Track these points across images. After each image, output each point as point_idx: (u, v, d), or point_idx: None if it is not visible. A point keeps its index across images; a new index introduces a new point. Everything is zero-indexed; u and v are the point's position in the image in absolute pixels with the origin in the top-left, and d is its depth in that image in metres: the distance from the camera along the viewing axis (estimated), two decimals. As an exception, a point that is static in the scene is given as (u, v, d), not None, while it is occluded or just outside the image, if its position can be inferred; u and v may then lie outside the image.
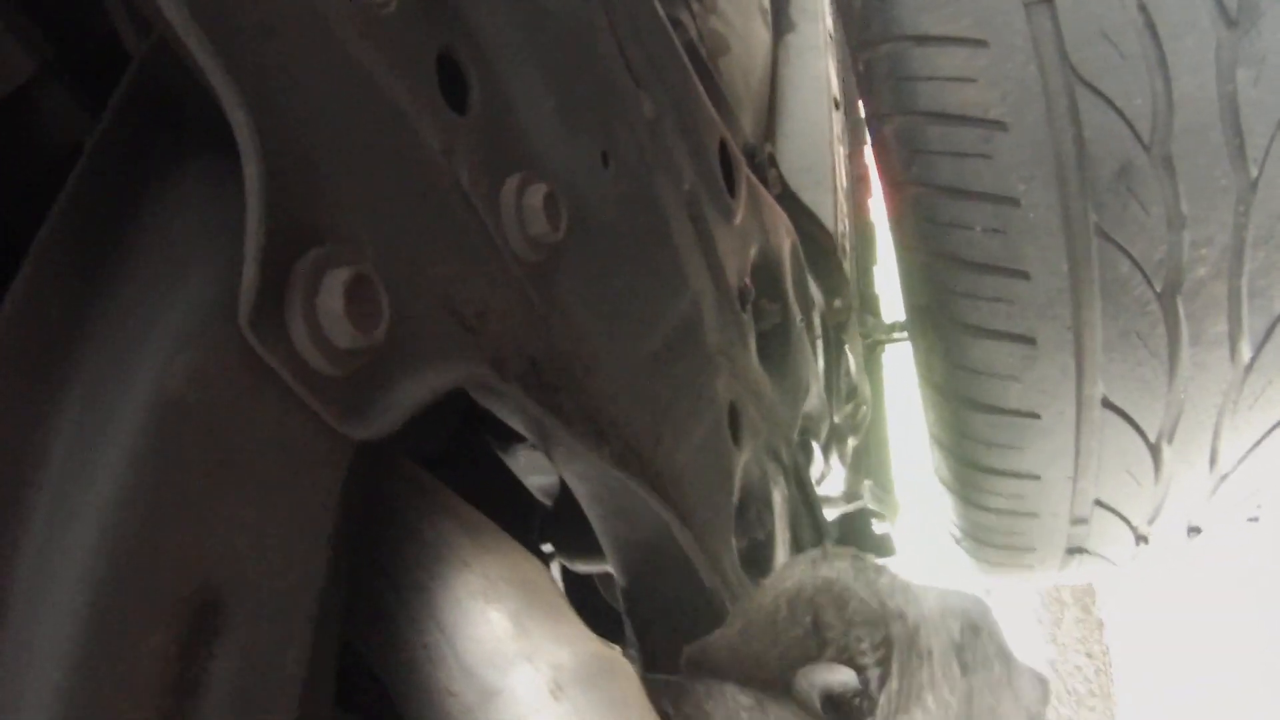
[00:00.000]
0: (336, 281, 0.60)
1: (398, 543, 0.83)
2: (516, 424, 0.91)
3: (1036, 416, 1.85)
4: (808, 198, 2.37)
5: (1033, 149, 1.57)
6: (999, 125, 1.57)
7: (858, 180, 3.19)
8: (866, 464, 2.97)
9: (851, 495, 2.91)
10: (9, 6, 0.73)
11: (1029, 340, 1.74)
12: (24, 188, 0.75)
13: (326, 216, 0.63)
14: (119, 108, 0.61)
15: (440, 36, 0.81)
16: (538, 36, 0.95)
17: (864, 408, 2.72)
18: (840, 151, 2.79)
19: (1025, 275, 1.67)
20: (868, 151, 3.18)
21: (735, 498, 1.32)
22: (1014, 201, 1.61)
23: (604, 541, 1.17)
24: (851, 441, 2.68)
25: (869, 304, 3.20)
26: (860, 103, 2.57)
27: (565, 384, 0.90)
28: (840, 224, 2.59)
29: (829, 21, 3.01)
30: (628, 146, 1.08)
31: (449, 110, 0.80)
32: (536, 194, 0.85)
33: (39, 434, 0.53)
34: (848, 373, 2.58)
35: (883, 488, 3.07)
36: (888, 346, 3.24)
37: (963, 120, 1.59)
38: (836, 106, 2.83)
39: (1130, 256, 1.62)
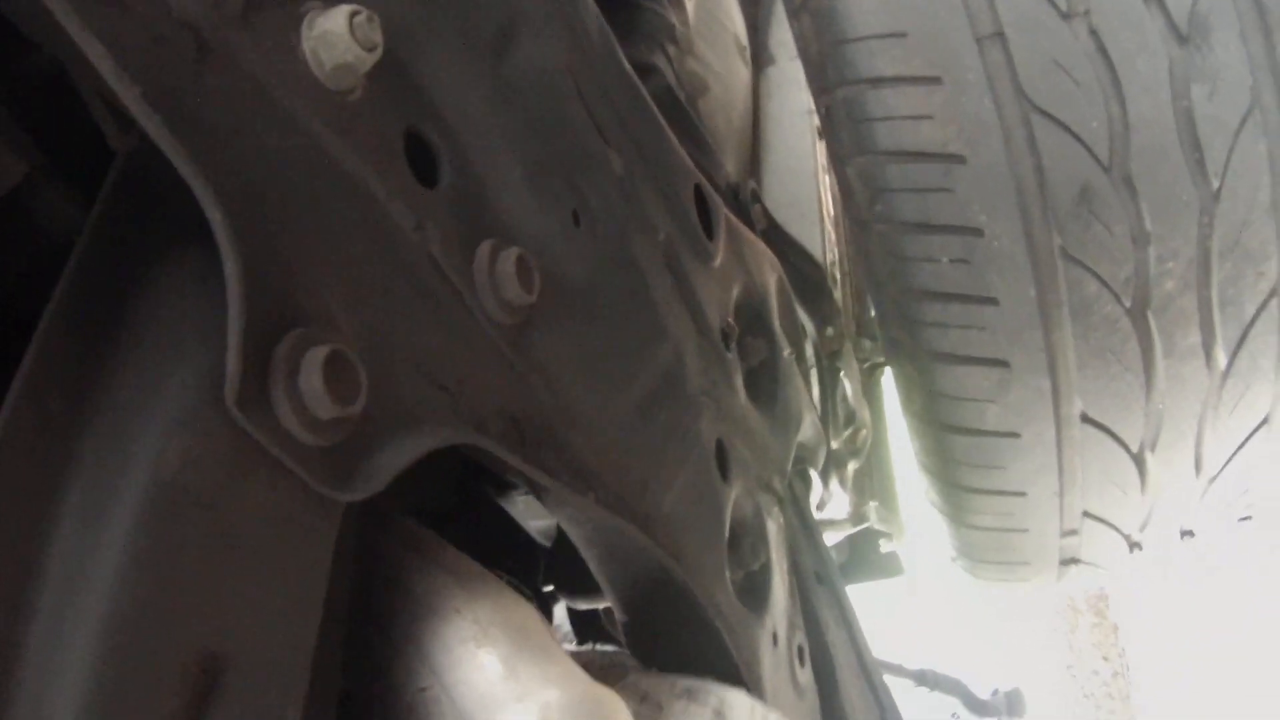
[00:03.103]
0: (315, 360, 0.64)
1: (391, 595, 0.87)
2: (507, 476, 0.95)
3: (1016, 436, 1.87)
4: (794, 230, 2.41)
5: (992, 179, 1.60)
6: (957, 159, 1.60)
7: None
8: (870, 486, 3.00)
9: (857, 518, 2.93)
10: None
11: (1003, 364, 1.77)
12: (20, 285, 0.80)
13: (303, 300, 0.68)
14: (106, 202, 0.66)
15: (406, 116, 0.85)
16: (503, 106, 0.99)
17: (864, 431, 2.74)
18: (826, 181, 2.82)
19: (994, 301, 1.69)
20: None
21: (726, 532, 1.35)
22: (977, 231, 1.64)
23: (601, 580, 1.20)
24: (852, 465, 2.70)
25: (866, 328, 3.23)
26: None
27: (547, 439, 0.94)
28: (829, 253, 2.62)
29: (809, 54, 3.03)
30: (598, 205, 1.12)
31: (418, 186, 0.84)
32: (508, 259, 0.90)
33: (44, 520, 0.57)
34: (844, 399, 2.61)
35: (888, 508, 3.09)
36: (886, 369, 3.27)
37: (921, 156, 1.62)
38: (820, 137, 2.86)
39: (1097, 276, 1.64)
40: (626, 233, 1.18)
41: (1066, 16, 1.54)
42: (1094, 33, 1.55)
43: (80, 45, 0.56)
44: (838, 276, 2.69)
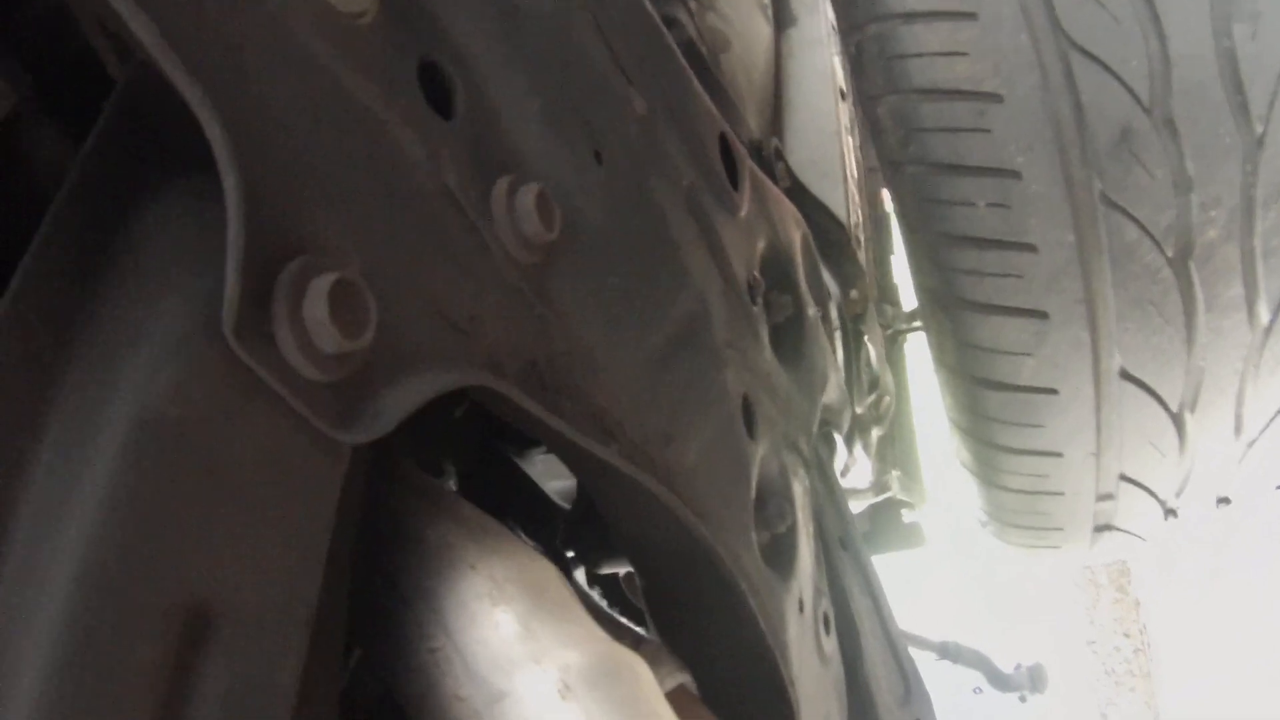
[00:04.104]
0: (320, 288, 0.60)
1: (401, 548, 0.83)
2: (525, 428, 0.90)
3: (1054, 392, 1.84)
4: (818, 190, 2.37)
5: (1030, 119, 1.56)
6: (993, 97, 1.56)
7: (870, 171, 3.18)
8: (893, 454, 2.97)
9: (880, 486, 2.90)
10: None
11: (1040, 314, 1.73)
12: (11, 216, 0.76)
13: (309, 226, 0.63)
14: (102, 131, 0.62)
15: (421, 45, 0.81)
16: (520, 39, 0.94)
17: (887, 398, 2.71)
18: (850, 143, 2.78)
19: (1032, 248, 1.66)
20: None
21: (753, 492, 1.31)
22: (1015, 174, 1.60)
23: (622, 542, 1.16)
24: (876, 432, 2.67)
25: (888, 294, 3.20)
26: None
27: (566, 385, 0.90)
28: (853, 215, 2.58)
29: (830, 13, 3.00)
30: (619, 144, 1.08)
31: (433, 116, 0.80)
32: (528, 194, 0.85)
33: (21, 453, 0.53)
34: (869, 363, 2.57)
35: (910, 477, 3.07)
36: (909, 336, 3.24)
37: (956, 95, 1.58)
38: (843, 97, 2.82)
39: (1138, 223, 1.61)
40: (649, 175, 1.14)
41: (1105, -50, 1.49)
42: (1134, -33, 1.49)
43: None
44: (861, 239, 2.64)
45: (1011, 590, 6.26)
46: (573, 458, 0.99)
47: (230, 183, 0.57)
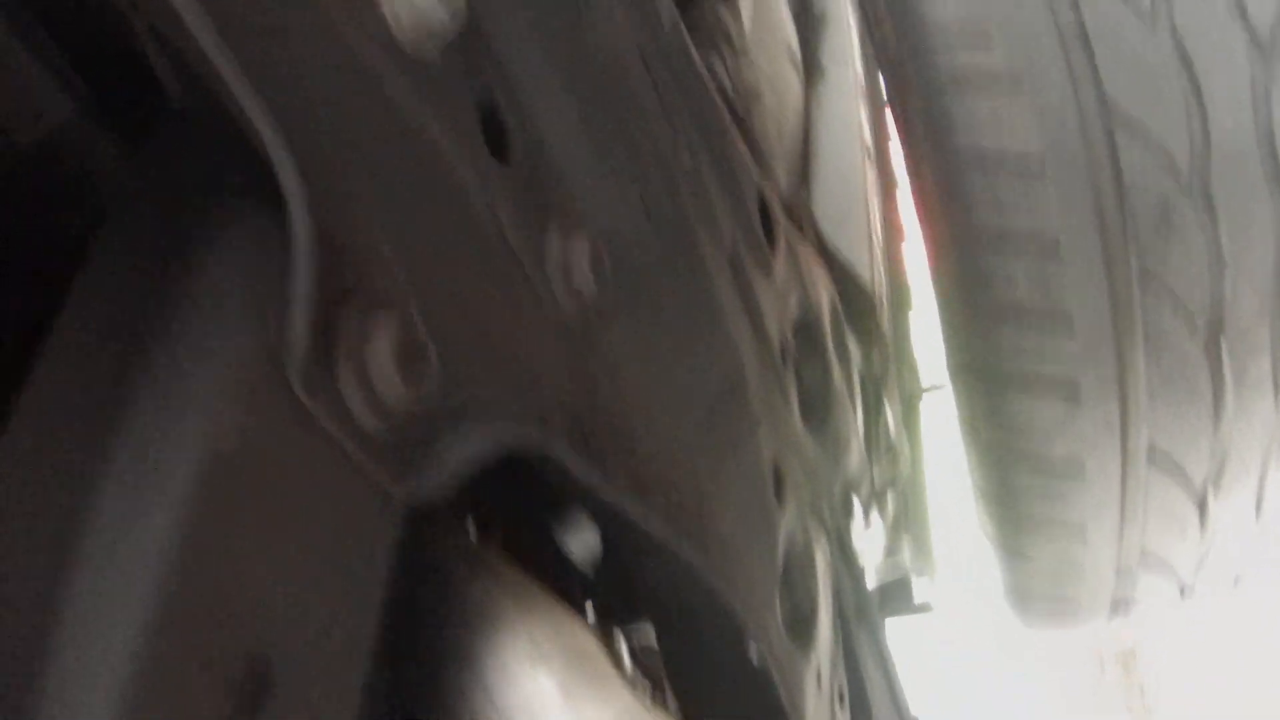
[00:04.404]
0: (385, 332, 0.58)
1: (440, 604, 0.80)
2: (563, 486, 0.88)
3: (1081, 467, 1.82)
4: (842, 250, 2.35)
5: (1072, 190, 1.54)
6: (1037, 166, 1.54)
7: (891, 232, 3.16)
8: (904, 521, 2.93)
9: (891, 552, 2.87)
10: (49, 44, 0.71)
11: (1073, 389, 1.71)
12: (57, 236, 0.74)
13: (372, 264, 0.61)
14: (157, 151, 0.60)
15: (480, 81, 0.79)
16: (578, 85, 0.93)
17: (903, 463, 2.68)
18: (874, 201, 2.76)
19: (1069, 321, 1.64)
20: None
21: (780, 561, 1.28)
22: (1054, 245, 1.58)
23: (645, 605, 1.14)
24: (891, 498, 2.64)
25: (904, 358, 3.17)
26: (893, 150, 2.55)
27: (610, 445, 0.88)
28: (875, 276, 2.56)
29: (859, 68, 2.98)
30: (668, 198, 1.06)
31: (491, 158, 0.78)
32: (581, 245, 0.83)
33: (83, 496, 0.50)
34: (886, 428, 2.55)
35: (920, 544, 3.03)
36: (923, 400, 3.22)
37: (1001, 162, 1.57)
38: (869, 156, 2.81)
39: (1174, 298, 1.59)
40: (695, 230, 1.12)
41: (1149, 20, 1.48)
42: (1177, 38, 1.49)
43: None
44: (883, 300, 2.62)
45: (1012, 669, 6.22)
46: (607, 519, 0.97)
47: (298, 213, 0.54)
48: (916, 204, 1.84)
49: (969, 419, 2.03)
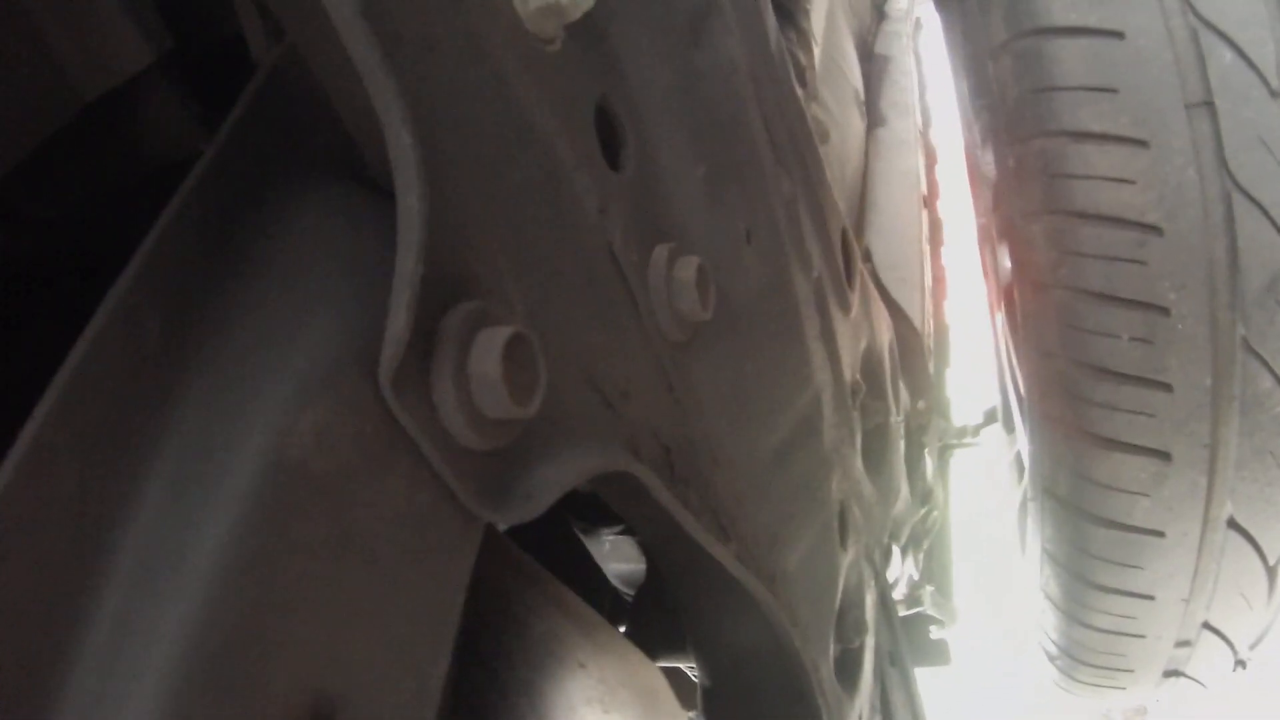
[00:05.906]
0: (493, 342, 0.51)
1: (503, 635, 0.75)
2: (638, 515, 0.82)
3: (1161, 535, 1.80)
4: (897, 295, 2.32)
5: (1187, 256, 1.52)
6: (1155, 230, 1.51)
7: (936, 281, 3.13)
8: (930, 569, 2.90)
9: (912, 600, 2.83)
10: None
11: (1164, 456, 1.69)
12: (121, 194, 0.68)
13: (480, 267, 0.55)
14: (243, 116, 0.54)
15: (599, 84, 0.74)
16: (692, 99, 0.87)
17: (935, 512, 2.65)
18: (927, 249, 2.73)
19: (1168, 387, 1.62)
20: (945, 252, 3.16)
21: (838, 603, 1.24)
22: (1164, 310, 1.55)
23: (696, 639, 1.08)
24: (925, 545, 2.61)
25: (941, 407, 3.13)
26: (978, 200, 2.53)
27: (693, 476, 0.82)
28: (926, 324, 2.53)
29: (919, 117, 2.97)
30: (768, 225, 1.01)
31: (605, 164, 0.72)
32: (688, 267, 0.78)
33: (123, 485, 0.44)
34: (923, 476, 2.51)
35: (943, 593, 2.99)
36: (956, 452, 3.18)
37: (1118, 222, 1.53)
38: (925, 205, 2.79)
39: (1273, 372, 1.56)
40: (790, 261, 1.07)
41: (1275, 93, 1.44)
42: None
43: None
44: (931, 349, 2.59)
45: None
46: (677, 550, 0.91)
47: (411, 201, 0.48)
48: (1019, 255, 1.80)
49: (1050, 476, 2.00)
